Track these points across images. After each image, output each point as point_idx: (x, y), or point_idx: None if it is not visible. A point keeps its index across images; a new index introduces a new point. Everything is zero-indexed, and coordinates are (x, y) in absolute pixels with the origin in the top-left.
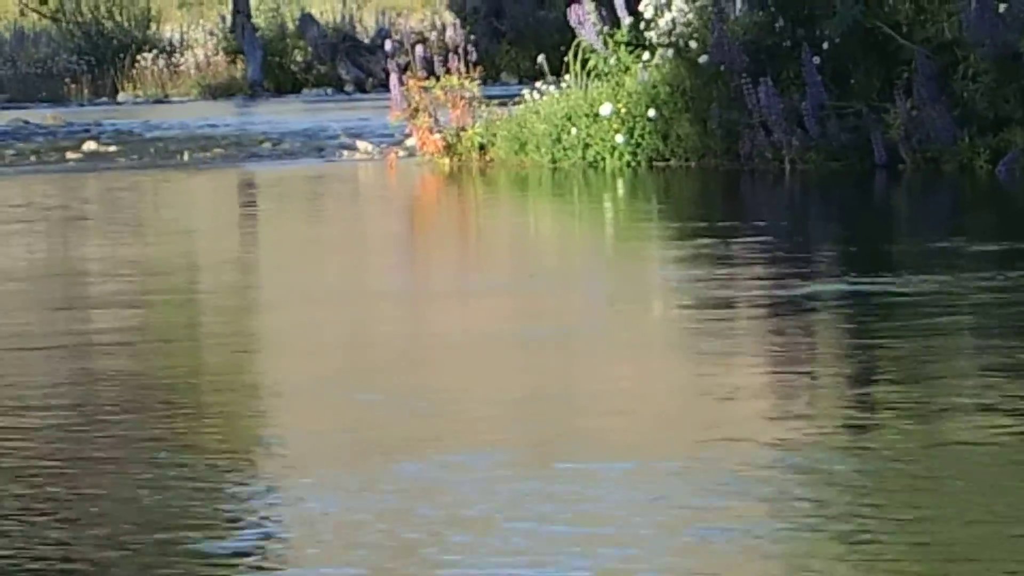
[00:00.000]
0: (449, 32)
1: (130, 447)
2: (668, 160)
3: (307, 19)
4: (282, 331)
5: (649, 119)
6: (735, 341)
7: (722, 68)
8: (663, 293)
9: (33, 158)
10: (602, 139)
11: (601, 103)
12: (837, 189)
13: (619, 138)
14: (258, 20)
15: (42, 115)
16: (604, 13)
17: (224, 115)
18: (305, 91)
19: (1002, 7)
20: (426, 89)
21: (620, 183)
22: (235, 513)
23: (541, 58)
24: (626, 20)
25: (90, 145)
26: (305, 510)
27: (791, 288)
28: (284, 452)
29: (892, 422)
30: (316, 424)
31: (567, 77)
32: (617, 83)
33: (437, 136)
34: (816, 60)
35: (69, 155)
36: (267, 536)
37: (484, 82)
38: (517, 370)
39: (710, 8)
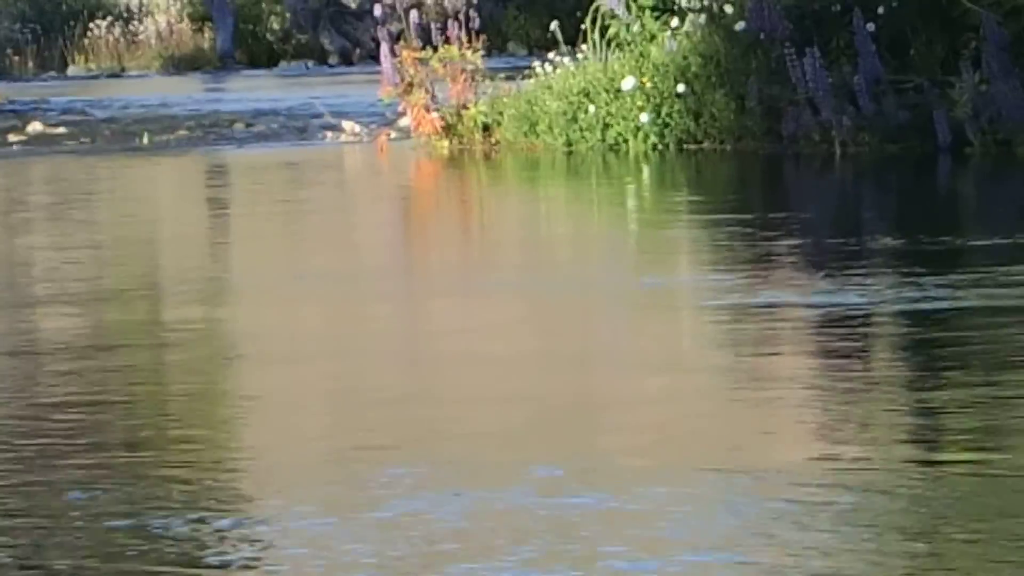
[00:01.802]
0: None
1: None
2: (700, 142)
3: None
4: (257, 357)
5: (678, 95)
6: (785, 360)
7: (762, 36)
8: (698, 302)
9: None
10: (624, 118)
11: (623, 77)
12: (895, 176)
13: (644, 117)
14: None
15: None
16: None
17: (189, 92)
18: (283, 64)
19: None
20: (422, 61)
21: (645, 169)
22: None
23: (554, 25)
24: None
25: (35, 126)
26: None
27: (849, 294)
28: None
29: (956, 449)
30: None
31: (584, 47)
32: (641, 54)
33: (434, 115)
34: (870, 27)
35: (11, 138)
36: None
37: (488, 53)
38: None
39: None
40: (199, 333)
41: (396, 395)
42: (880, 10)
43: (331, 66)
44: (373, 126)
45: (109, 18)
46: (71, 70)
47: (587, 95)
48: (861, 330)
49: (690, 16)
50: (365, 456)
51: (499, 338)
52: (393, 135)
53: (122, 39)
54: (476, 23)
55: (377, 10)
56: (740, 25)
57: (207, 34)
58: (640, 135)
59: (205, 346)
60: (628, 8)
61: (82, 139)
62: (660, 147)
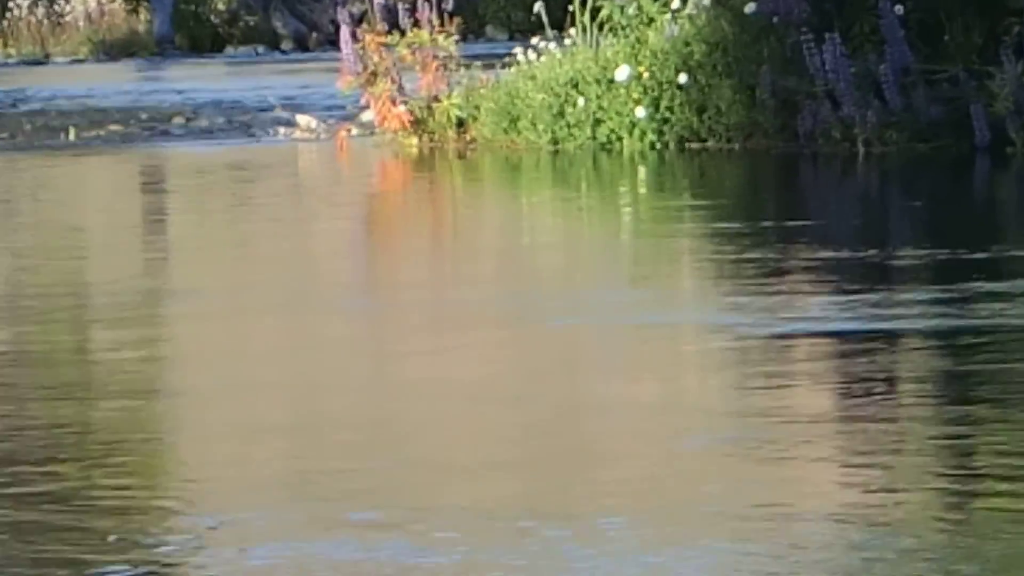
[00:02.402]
0: None
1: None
2: (704, 141)
3: None
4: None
5: (679, 87)
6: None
7: (775, 20)
8: (714, 330)
9: None
10: (618, 113)
11: (617, 66)
12: (926, 179)
13: (640, 112)
14: None
15: None
16: None
17: (122, 81)
18: (229, 50)
19: None
20: (388, 47)
21: (641, 171)
22: None
23: (538, 6)
24: None
25: None
26: None
27: (882, 319)
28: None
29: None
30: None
31: (572, 32)
32: (638, 40)
33: (402, 109)
34: (899, 10)
35: None
36: None
37: (463, 38)
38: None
39: None
40: (118, 356)
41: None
42: None
43: (284, 52)
44: (331, 121)
45: None
46: None
47: (576, 86)
48: (889, 359)
49: None
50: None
51: (451, 365)
52: (354, 131)
53: (46, 21)
54: (450, 4)
55: None
56: (750, 7)
57: (143, 16)
58: (636, 132)
59: (122, 375)
60: None
61: (0, 134)
62: (659, 146)
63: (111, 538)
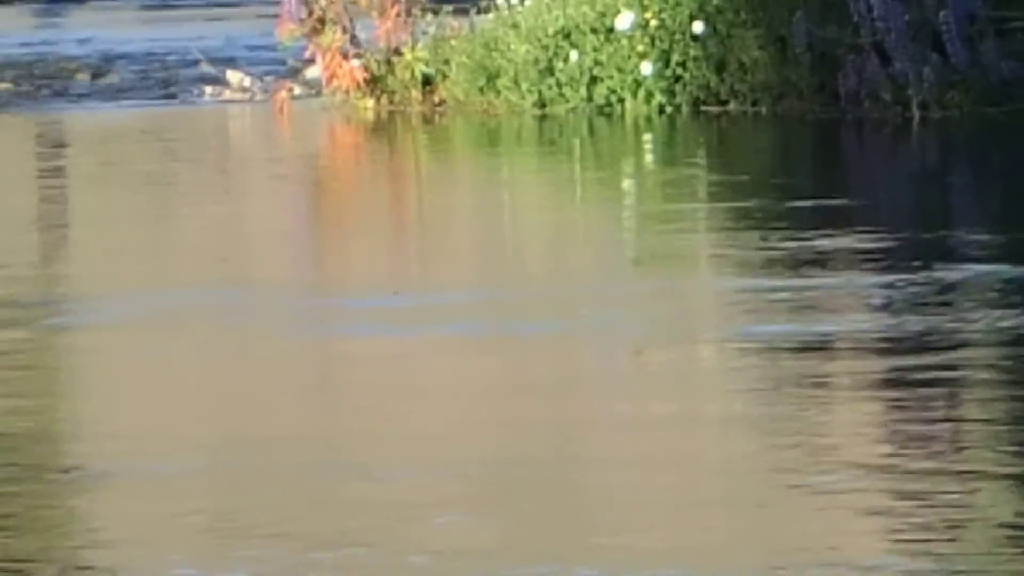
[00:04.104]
0: None
1: None
2: (724, 103)
3: None
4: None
5: (695, 38)
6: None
7: None
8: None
9: None
10: (619, 69)
11: (618, 11)
12: (995, 150)
13: (646, 68)
14: None
15: None
16: None
17: (13, 29)
18: None
19: None
20: None
21: (648, 139)
22: None
23: None
24: None
25: None
26: None
27: (934, 317)
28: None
29: None
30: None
31: None
32: None
33: (355, 64)
34: None
35: None
36: None
37: None
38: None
39: None
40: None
41: None
42: None
43: None
44: (269, 78)
45: None
46: None
47: (567, 37)
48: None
49: None
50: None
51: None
52: (297, 91)
53: None
54: None
55: None
56: None
57: None
58: (641, 93)
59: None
60: None
61: None
62: (669, 109)
63: None
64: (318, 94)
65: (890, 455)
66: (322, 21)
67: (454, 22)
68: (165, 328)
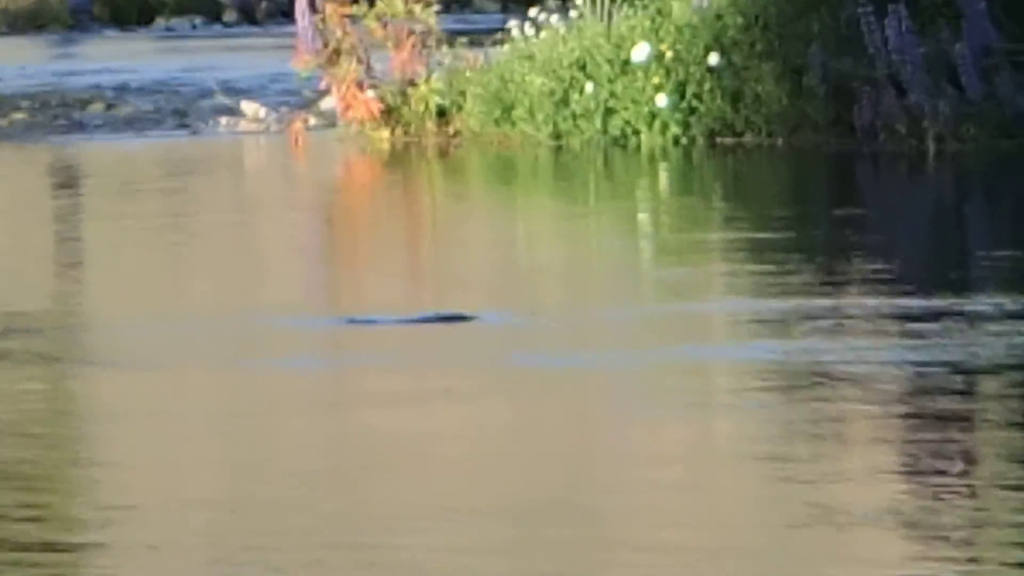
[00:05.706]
0: None
1: None
2: (740, 135)
3: None
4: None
5: (710, 70)
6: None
7: None
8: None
9: None
10: (635, 101)
11: (634, 43)
12: (1011, 183)
13: (662, 100)
14: None
15: None
16: None
17: (30, 60)
18: (160, 22)
19: None
20: (353, 19)
21: (663, 172)
22: None
23: None
24: None
25: None
26: None
27: (955, 348)
28: None
29: None
30: None
31: (579, 2)
32: (659, 11)
33: (370, 95)
34: None
35: None
36: None
37: (446, 8)
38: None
39: None
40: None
41: None
42: None
43: (227, 25)
44: (284, 109)
45: None
46: None
47: (583, 69)
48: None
49: None
50: None
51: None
52: (312, 122)
53: None
54: None
55: None
56: None
57: None
58: (657, 124)
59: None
60: None
61: None
62: (684, 141)
63: None
64: (333, 125)
65: None
66: (338, 52)
67: (469, 54)
68: (181, 364)
